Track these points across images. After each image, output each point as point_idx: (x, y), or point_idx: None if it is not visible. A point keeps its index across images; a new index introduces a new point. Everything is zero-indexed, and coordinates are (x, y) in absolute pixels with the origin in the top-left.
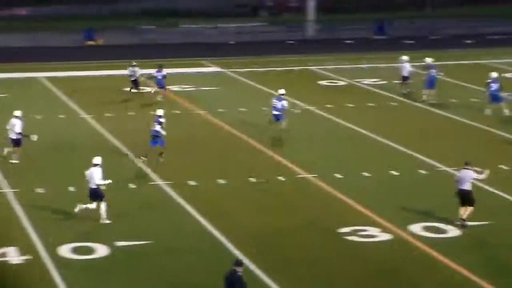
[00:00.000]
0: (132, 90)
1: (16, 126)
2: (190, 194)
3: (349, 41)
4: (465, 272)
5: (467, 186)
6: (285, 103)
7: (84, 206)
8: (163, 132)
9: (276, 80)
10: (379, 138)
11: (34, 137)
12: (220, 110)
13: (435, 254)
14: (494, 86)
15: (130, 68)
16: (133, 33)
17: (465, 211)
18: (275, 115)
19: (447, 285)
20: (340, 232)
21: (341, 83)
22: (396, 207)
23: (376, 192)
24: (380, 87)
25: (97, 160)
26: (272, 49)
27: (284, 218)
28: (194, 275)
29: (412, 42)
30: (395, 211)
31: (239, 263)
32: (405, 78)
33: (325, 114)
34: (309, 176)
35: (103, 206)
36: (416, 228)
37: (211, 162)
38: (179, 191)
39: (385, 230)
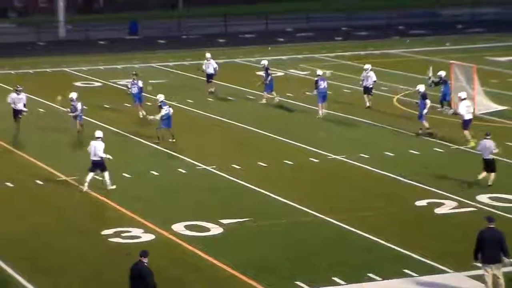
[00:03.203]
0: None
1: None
2: None
3: (102, 42)
4: (228, 269)
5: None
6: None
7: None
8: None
9: (29, 83)
10: (136, 138)
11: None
12: None
13: (198, 252)
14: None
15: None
16: None
17: None
18: None
19: (211, 282)
20: (103, 234)
21: (97, 84)
22: (158, 207)
23: (137, 193)
24: None
25: (99, 133)
26: (23, 51)
27: (45, 222)
28: None
29: (164, 42)
30: (157, 211)
31: (145, 253)
32: (210, 76)
33: (84, 117)
34: (68, 179)
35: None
36: (179, 227)
37: None
38: None
39: (148, 230)
